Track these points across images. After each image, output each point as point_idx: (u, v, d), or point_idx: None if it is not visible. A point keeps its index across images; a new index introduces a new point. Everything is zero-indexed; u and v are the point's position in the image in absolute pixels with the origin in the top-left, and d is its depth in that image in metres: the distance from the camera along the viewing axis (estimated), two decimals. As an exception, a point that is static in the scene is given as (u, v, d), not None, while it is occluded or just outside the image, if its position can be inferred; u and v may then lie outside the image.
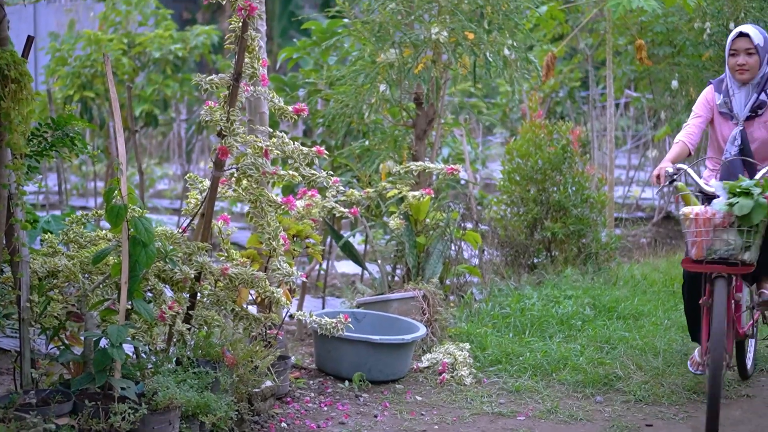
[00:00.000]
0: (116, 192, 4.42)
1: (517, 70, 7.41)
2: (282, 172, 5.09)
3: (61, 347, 4.71)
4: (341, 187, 5.77)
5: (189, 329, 5.02)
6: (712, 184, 5.22)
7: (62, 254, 4.95)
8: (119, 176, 4.45)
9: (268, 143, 5.05)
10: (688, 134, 5.65)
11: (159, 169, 17.37)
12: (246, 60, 4.91)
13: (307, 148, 5.07)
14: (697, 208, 5.10)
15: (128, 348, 4.67)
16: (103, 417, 4.23)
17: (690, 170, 5.31)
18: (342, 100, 7.46)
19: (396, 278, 7.67)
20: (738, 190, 5.03)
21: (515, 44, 7.23)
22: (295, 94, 8.49)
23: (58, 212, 11.78)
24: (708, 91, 5.75)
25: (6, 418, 4.10)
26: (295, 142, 5.14)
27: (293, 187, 7.47)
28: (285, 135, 5.14)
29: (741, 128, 5.55)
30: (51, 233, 5.30)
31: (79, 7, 19.71)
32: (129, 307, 4.54)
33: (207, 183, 5.31)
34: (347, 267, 10.04)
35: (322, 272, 8.75)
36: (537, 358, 6.19)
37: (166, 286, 4.98)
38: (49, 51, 12.77)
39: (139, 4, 12.82)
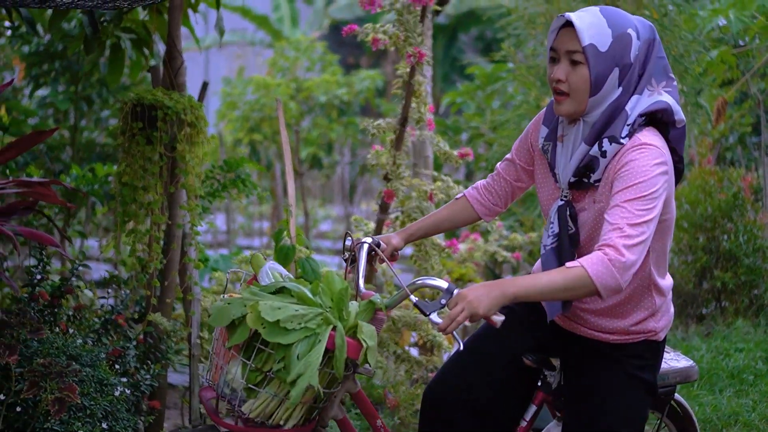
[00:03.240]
0: (285, 233, 4.52)
1: (687, 114, 7.25)
2: (446, 216, 5.09)
3: (229, 384, 4.81)
4: (504, 231, 5.73)
5: (351, 370, 5.06)
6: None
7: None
8: (289, 217, 4.55)
9: (432, 187, 5.07)
10: (482, 186, 3.35)
11: (322, 210, 17.68)
12: (413, 105, 4.95)
13: (471, 193, 5.06)
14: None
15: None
16: (268, 454, 4.28)
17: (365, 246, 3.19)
18: (506, 144, 7.45)
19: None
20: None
21: (685, 89, 7.07)
22: (458, 138, 8.53)
23: (225, 251, 12.16)
24: (536, 120, 3.19)
25: (174, 452, 4.22)
26: (459, 186, 5.14)
27: (455, 231, 7.47)
28: (449, 179, 5.15)
29: (561, 202, 2.99)
30: (219, 271, 5.47)
31: (248, 53, 20.42)
32: (294, 346, 4.59)
33: (372, 225, 5.37)
34: (507, 312, 9.93)
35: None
36: (706, 412, 5.95)
37: (330, 326, 5.03)
38: (220, 96, 13.27)
39: (307, 51, 13.18)
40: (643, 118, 2.86)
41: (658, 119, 2.90)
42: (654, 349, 3.11)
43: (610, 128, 2.84)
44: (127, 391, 3.90)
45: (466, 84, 9.26)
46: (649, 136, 2.84)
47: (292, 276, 2.96)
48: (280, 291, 2.81)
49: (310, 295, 2.80)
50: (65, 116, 7.81)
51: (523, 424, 3.33)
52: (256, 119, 12.29)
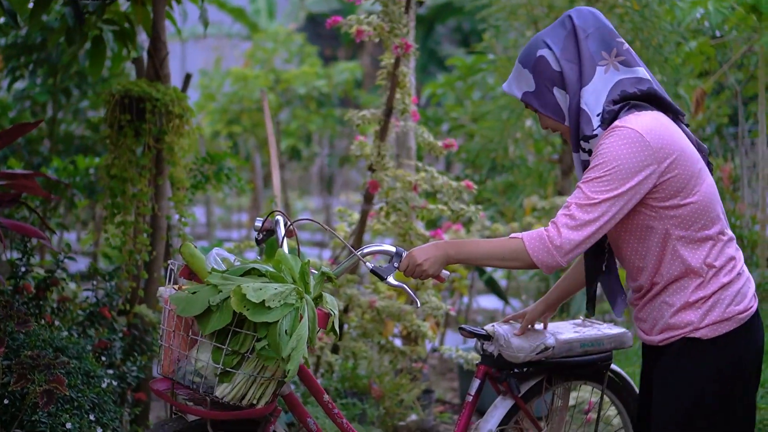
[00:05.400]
0: (271, 224, 4.51)
1: (666, 105, 7.28)
2: (431, 206, 5.10)
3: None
4: (486, 222, 5.75)
5: (336, 360, 5.08)
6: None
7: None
8: (274, 209, 4.55)
9: (417, 178, 5.08)
10: None
11: (300, 202, 17.67)
12: (397, 96, 4.96)
13: (456, 182, 5.08)
14: (168, 292, 2.95)
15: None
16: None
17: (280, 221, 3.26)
18: (486, 135, 7.47)
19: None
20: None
21: (664, 79, 7.10)
22: (438, 129, 8.54)
23: (205, 243, 12.14)
24: None
25: None
26: (444, 177, 5.16)
27: (436, 221, 7.49)
28: (433, 169, 5.16)
29: None
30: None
31: (225, 45, 20.32)
32: (280, 337, 4.60)
33: (355, 216, 5.38)
34: (488, 302, 9.99)
35: (462, 307, 8.73)
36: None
37: (316, 317, 5.04)
38: (198, 88, 13.21)
39: (285, 42, 13.15)
40: (619, 105, 2.76)
41: (645, 97, 2.81)
42: (695, 349, 2.85)
43: (580, 130, 2.81)
44: (114, 383, 3.90)
45: (446, 75, 9.28)
46: (628, 118, 2.75)
47: (239, 260, 2.95)
48: (248, 273, 2.79)
49: (279, 273, 2.81)
50: (43, 109, 7.75)
51: (469, 398, 3.35)
52: (235, 111, 12.27)
